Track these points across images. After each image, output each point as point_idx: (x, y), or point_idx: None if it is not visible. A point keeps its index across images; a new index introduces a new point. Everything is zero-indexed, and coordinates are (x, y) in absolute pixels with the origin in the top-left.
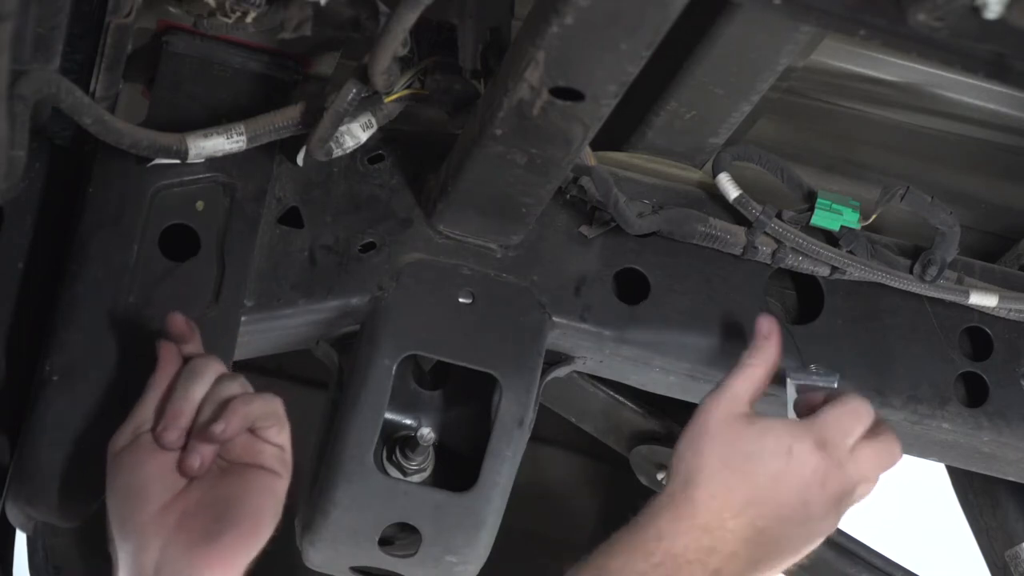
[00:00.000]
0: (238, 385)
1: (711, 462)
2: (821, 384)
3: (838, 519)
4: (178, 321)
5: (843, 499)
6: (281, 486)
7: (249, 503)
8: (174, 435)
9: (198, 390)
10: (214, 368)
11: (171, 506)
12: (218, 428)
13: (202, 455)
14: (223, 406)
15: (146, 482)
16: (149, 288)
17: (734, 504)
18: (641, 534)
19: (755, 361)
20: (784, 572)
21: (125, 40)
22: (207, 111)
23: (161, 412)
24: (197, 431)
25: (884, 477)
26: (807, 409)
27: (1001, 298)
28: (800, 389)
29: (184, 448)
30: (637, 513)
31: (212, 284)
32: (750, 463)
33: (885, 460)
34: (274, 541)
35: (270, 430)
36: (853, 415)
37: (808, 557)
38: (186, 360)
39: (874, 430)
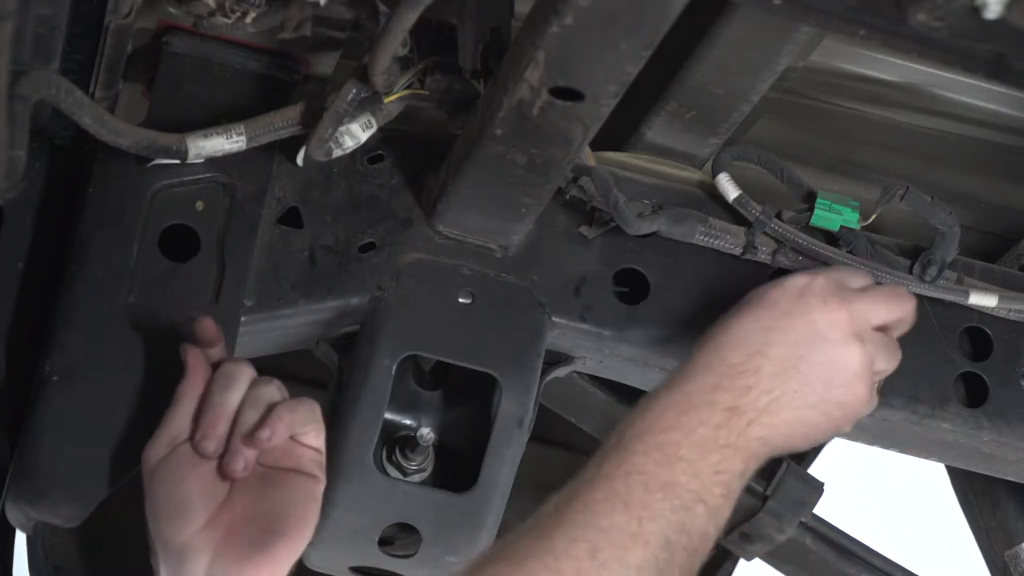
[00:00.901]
0: (276, 389)
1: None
2: None
3: (858, 351)
4: (208, 325)
5: (853, 325)
6: (320, 489)
7: (294, 511)
8: (213, 444)
9: (234, 396)
10: (247, 373)
11: (217, 518)
12: (264, 435)
13: (246, 457)
14: (266, 411)
15: (189, 495)
16: (149, 288)
17: (741, 341)
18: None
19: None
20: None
21: (125, 40)
22: (207, 111)
23: (197, 421)
24: (240, 437)
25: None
26: None
27: (1001, 298)
28: None
29: (224, 453)
30: None
31: (212, 284)
32: (763, 308)
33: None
34: None
35: (309, 435)
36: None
37: (808, 557)
38: (214, 366)
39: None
